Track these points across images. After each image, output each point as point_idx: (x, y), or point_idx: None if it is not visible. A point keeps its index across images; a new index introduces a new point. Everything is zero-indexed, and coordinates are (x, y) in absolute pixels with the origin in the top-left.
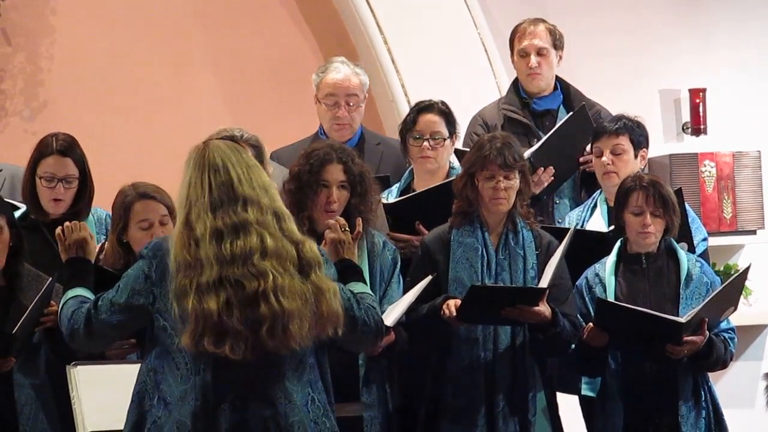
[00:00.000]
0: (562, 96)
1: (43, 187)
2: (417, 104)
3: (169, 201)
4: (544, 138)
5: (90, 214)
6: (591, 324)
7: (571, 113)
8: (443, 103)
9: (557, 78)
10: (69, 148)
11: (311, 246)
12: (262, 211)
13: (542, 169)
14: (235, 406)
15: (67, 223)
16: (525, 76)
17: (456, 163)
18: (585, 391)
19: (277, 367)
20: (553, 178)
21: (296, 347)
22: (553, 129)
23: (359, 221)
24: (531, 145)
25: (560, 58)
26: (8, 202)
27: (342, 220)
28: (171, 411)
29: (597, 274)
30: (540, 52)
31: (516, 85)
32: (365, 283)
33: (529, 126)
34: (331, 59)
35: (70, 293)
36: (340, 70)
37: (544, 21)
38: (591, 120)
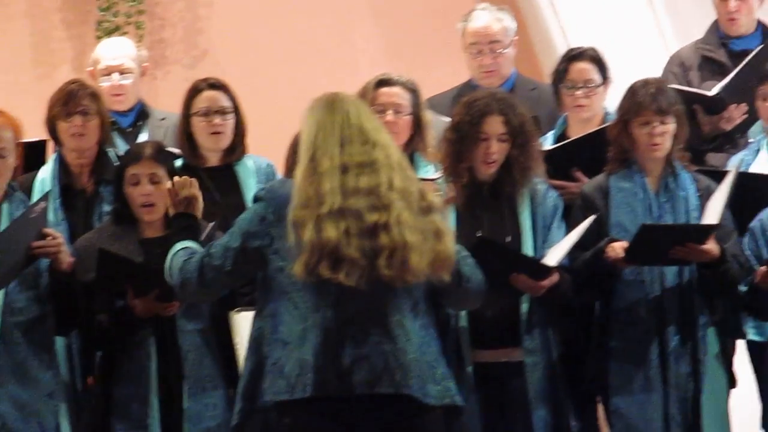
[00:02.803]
0: (761, 37)
1: (200, 124)
2: (567, 52)
3: None
4: (734, 72)
5: (250, 162)
6: (766, 267)
7: (761, 45)
8: (594, 49)
9: (759, 21)
10: (220, 85)
11: (432, 193)
12: (389, 156)
13: (734, 105)
14: (357, 342)
15: (177, 178)
16: (725, 20)
17: (611, 108)
18: (752, 335)
19: (393, 302)
20: (746, 115)
21: (413, 280)
22: (743, 62)
23: (450, 190)
24: None
25: (762, 0)
26: (170, 152)
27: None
28: (291, 350)
29: None
30: None
31: (715, 25)
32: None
33: (726, 65)
34: (474, 6)
35: (179, 245)
36: (481, 18)
37: None
38: None
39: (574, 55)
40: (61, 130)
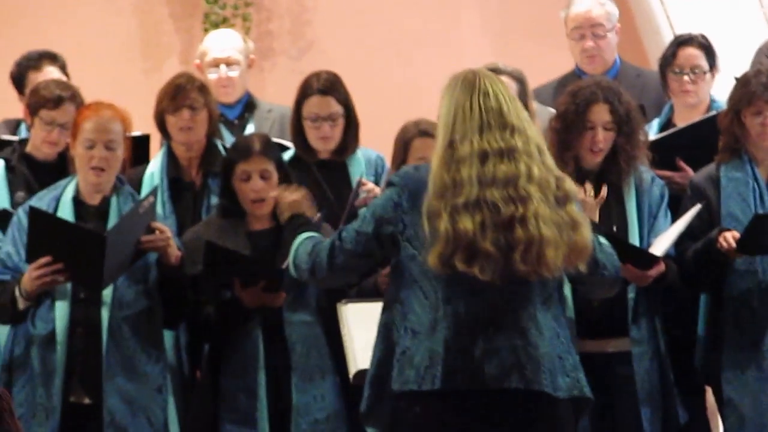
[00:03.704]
0: None
1: (310, 128)
2: (676, 38)
3: None
4: None
5: (359, 154)
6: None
7: None
8: (703, 36)
9: None
10: (331, 86)
11: (569, 182)
12: (528, 142)
13: None
14: (487, 335)
15: (281, 189)
16: None
17: (717, 96)
18: None
19: (526, 296)
20: None
21: (548, 275)
22: None
23: (604, 189)
24: None
25: None
26: (278, 144)
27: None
28: (421, 341)
29: None
30: None
31: None
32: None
33: None
34: None
35: (303, 236)
36: (583, 3)
37: None
38: None
39: (683, 41)
40: (170, 124)
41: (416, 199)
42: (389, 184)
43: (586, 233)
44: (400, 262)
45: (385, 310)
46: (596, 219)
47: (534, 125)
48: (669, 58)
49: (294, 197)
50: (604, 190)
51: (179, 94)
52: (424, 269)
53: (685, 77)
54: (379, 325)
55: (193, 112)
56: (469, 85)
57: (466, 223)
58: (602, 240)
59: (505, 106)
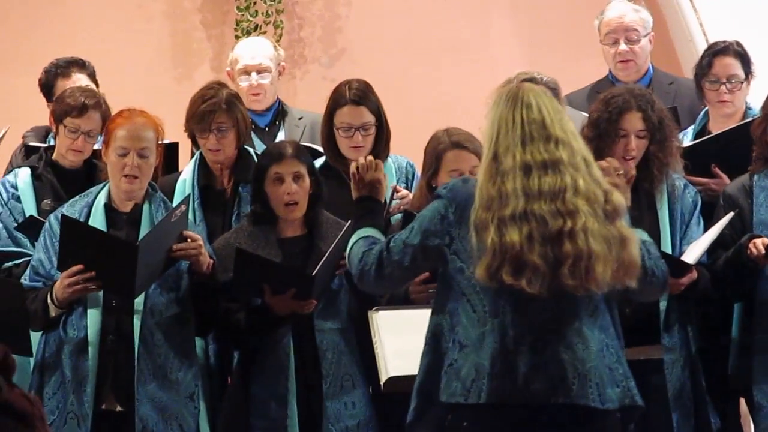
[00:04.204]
0: None
1: (342, 137)
2: (711, 47)
3: (480, 150)
4: None
5: (390, 161)
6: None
7: None
8: (738, 43)
9: None
10: (363, 96)
11: (617, 194)
12: (573, 154)
13: None
14: (535, 349)
15: (361, 160)
16: None
17: (753, 103)
18: None
19: (573, 309)
20: None
21: (596, 290)
22: None
23: (632, 169)
24: None
25: None
26: (309, 148)
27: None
28: (468, 354)
29: None
30: None
31: None
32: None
33: None
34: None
35: (361, 232)
36: (617, 8)
37: None
38: None
39: (718, 50)
40: (200, 143)
41: (464, 212)
42: (436, 196)
43: (635, 250)
44: (448, 274)
45: (433, 318)
46: (629, 200)
47: (580, 138)
48: (705, 68)
49: (373, 176)
50: (632, 170)
51: (206, 119)
52: (472, 283)
53: (722, 87)
54: (427, 334)
55: (221, 134)
56: (512, 98)
57: (513, 236)
58: (648, 245)
59: (548, 118)
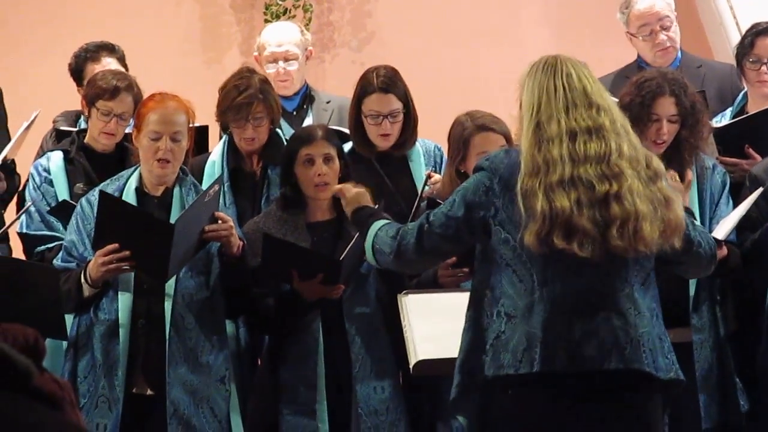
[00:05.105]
0: None
1: (370, 125)
2: (753, 27)
3: (506, 130)
4: None
5: (418, 146)
6: None
7: None
8: None
9: None
10: (391, 83)
11: (656, 159)
12: (614, 121)
13: None
14: (585, 316)
15: (339, 187)
16: None
17: None
18: None
19: (624, 276)
20: None
21: (645, 251)
22: None
23: (689, 173)
24: None
25: None
26: (337, 131)
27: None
28: (516, 324)
29: None
30: None
31: None
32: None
33: None
34: None
35: (380, 222)
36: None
37: None
38: None
39: (760, 30)
40: (234, 131)
41: (508, 182)
42: (478, 168)
43: (679, 210)
44: (491, 247)
45: (473, 294)
46: (687, 203)
47: (615, 108)
48: (746, 48)
49: (359, 189)
50: (689, 175)
51: (243, 111)
52: (518, 253)
53: (763, 68)
54: (467, 314)
55: (256, 122)
56: (550, 68)
57: (563, 201)
58: (691, 218)
59: (589, 86)
